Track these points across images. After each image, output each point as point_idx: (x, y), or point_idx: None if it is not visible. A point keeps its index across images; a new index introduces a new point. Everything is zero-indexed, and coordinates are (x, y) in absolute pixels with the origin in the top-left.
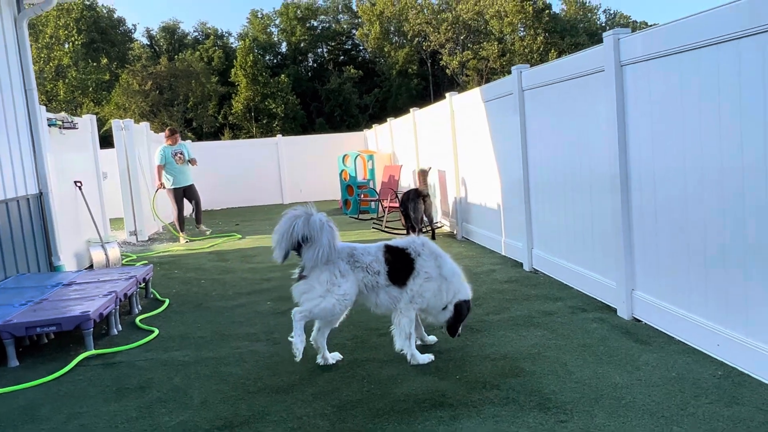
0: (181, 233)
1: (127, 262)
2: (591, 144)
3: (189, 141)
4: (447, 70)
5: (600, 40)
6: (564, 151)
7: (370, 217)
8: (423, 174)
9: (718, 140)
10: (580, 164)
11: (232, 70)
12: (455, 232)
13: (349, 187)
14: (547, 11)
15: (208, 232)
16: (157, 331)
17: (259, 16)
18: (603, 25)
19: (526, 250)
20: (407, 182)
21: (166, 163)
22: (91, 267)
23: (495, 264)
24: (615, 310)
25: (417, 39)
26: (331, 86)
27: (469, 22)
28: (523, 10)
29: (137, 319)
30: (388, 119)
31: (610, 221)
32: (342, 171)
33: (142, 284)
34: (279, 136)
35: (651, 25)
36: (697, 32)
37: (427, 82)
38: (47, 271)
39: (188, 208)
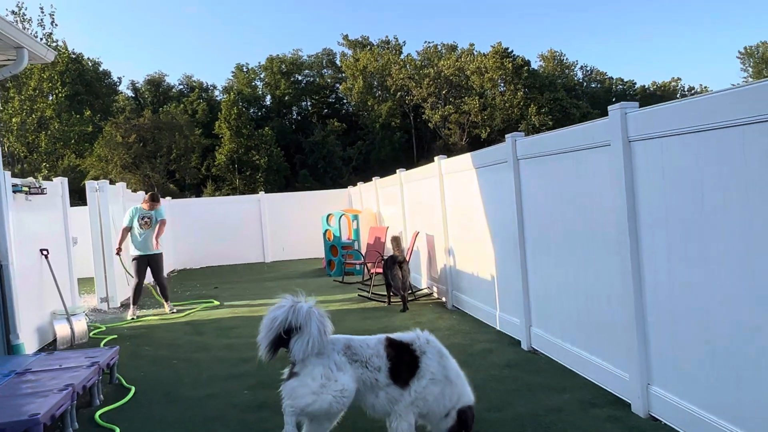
0: (133, 306)
1: (95, 334)
2: (597, 219)
3: (168, 199)
4: (429, 124)
5: (578, 96)
6: (566, 223)
7: (356, 280)
8: (396, 240)
9: (749, 222)
10: (586, 236)
11: (216, 122)
12: (444, 299)
13: (333, 247)
14: (526, 67)
15: (169, 311)
16: (118, 431)
17: (244, 70)
18: (580, 81)
19: (523, 327)
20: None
21: (131, 227)
22: (54, 341)
23: (490, 341)
24: (629, 405)
25: (400, 93)
26: (314, 139)
27: (451, 78)
28: (502, 67)
29: (97, 415)
30: (373, 178)
31: (619, 305)
32: (326, 231)
33: (107, 370)
34: (261, 192)
35: (626, 82)
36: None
37: (409, 135)
38: (3, 352)
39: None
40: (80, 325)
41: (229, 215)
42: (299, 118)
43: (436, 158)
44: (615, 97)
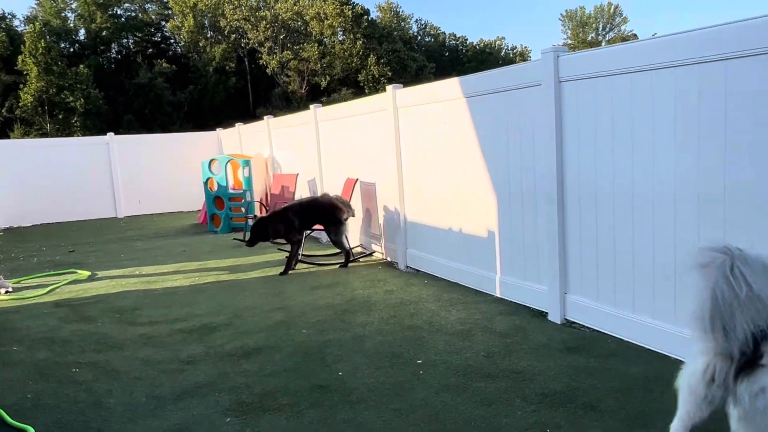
0: None
1: None
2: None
3: None
4: (267, 70)
5: (414, 49)
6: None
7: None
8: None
9: None
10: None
11: (20, 57)
12: (390, 259)
13: (218, 199)
14: (365, 17)
15: (4, 291)
16: None
17: None
18: (415, 34)
19: (555, 295)
20: (299, 194)
21: None
22: None
23: (506, 314)
24: None
25: (234, 36)
26: (140, 80)
27: (289, 22)
28: (342, 14)
29: None
30: (265, 117)
31: None
32: (208, 179)
33: None
34: (110, 134)
35: (458, 38)
36: None
37: (245, 81)
38: None
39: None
40: None
41: (69, 161)
42: (120, 57)
43: (389, 88)
44: (448, 51)
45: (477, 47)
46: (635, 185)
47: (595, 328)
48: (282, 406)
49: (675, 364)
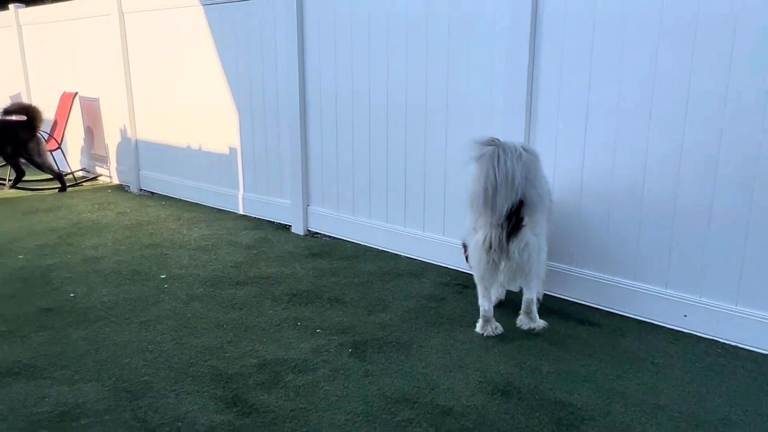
0: None
1: None
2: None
3: None
4: None
5: None
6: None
7: None
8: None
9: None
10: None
11: None
12: (120, 182)
13: None
14: None
15: None
16: None
17: None
18: None
19: (297, 208)
20: None
21: None
22: None
23: (251, 229)
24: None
25: None
26: None
27: None
28: None
29: None
30: None
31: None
32: None
33: None
34: None
35: None
36: None
37: None
38: None
39: None
40: None
41: None
42: None
43: None
44: None
45: None
46: (371, 98)
47: (336, 236)
48: (1, 333)
49: (404, 261)
